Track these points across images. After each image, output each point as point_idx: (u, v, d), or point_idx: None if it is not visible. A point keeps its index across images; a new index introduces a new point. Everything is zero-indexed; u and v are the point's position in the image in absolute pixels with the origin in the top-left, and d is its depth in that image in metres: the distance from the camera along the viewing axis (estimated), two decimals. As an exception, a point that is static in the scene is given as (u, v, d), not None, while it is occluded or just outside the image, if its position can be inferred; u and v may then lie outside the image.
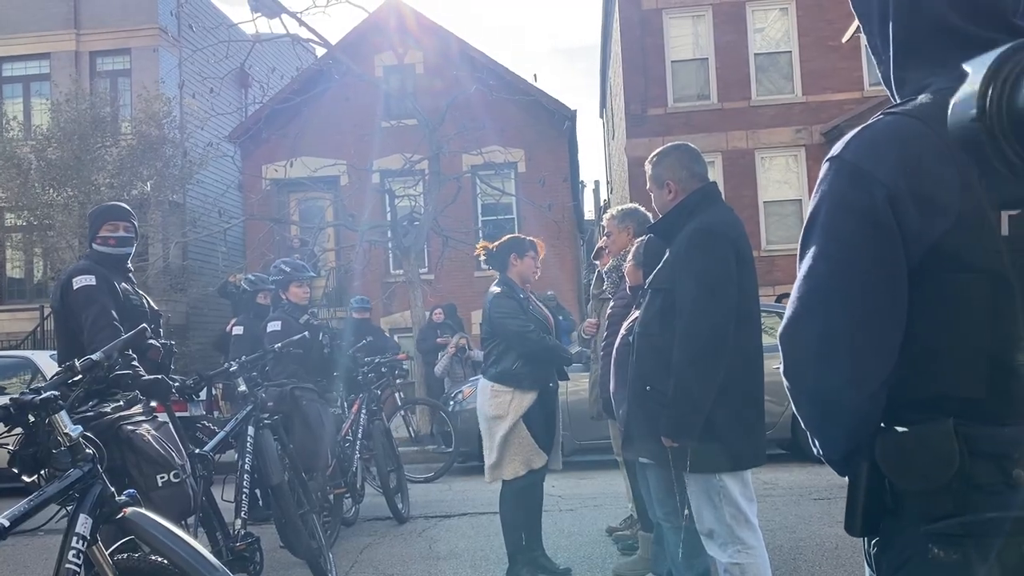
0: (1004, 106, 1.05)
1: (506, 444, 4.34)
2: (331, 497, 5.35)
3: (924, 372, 1.23)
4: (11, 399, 2.22)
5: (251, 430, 4.27)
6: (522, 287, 4.58)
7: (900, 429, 1.24)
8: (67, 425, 2.27)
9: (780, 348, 1.30)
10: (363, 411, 6.15)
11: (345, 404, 6.22)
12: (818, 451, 1.36)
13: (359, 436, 6.02)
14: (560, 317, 12.32)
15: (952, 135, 1.12)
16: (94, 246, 3.92)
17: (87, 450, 2.30)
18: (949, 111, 1.12)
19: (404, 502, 6.28)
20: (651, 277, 3.09)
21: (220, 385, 7.69)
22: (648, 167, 3.13)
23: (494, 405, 4.37)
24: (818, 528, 5.20)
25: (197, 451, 3.76)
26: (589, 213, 30.05)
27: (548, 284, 13.71)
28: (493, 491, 5.49)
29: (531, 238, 4.74)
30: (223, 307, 15.29)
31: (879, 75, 1.41)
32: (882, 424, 1.26)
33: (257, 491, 4.63)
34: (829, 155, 1.29)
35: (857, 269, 1.22)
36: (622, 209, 4.59)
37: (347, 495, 5.72)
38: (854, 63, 16.27)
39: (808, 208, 1.31)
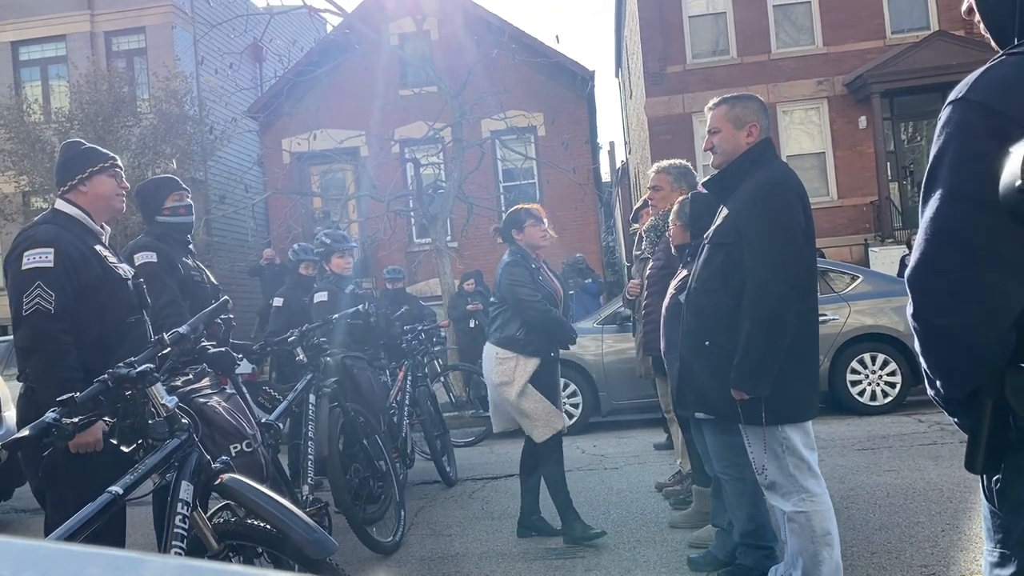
0: None
1: (523, 411, 4.38)
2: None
3: None
4: (109, 373, 2.29)
5: (312, 398, 4.36)
6: (535, 255, 4.55)
7: None
8: (163, 396, 2.35)
9: (909, 290, 1.32)
10: (409, 378, 6.23)
11: (388, 372, 6.31)
12: (938, 391, 1.38)
13: (406, 403, 6.12)
14: (588, 280, 12.34)
15: (1003, 203, 1.21)
16: (159, 219, 3.89)
17: (183, 420, 2.38)
18: (1000, 184, 1.21)
19: (451, 465, 6.38)
20: (710, 232, 3.09)
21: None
22: (724, 107, 3.04)
23: (499, 372, 4.40)
24: (866, 477, 5.25)
25: (264, 420, 3.85)
26: (605, 175, 29.87)
27: (573, 247, 13.71)
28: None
29: (526, 206, 4.66)
30: (249, 283, 15.43)
31: (985, 25, 1.41)
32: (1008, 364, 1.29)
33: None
34: (951, 98, 1.30)
35: (991, 207, 1.23)
36: (676, 166, 4.51)
37: (398, 460, 5.82)
38: (875, 10, 16.01)
39: (932, 151, 1.32)
